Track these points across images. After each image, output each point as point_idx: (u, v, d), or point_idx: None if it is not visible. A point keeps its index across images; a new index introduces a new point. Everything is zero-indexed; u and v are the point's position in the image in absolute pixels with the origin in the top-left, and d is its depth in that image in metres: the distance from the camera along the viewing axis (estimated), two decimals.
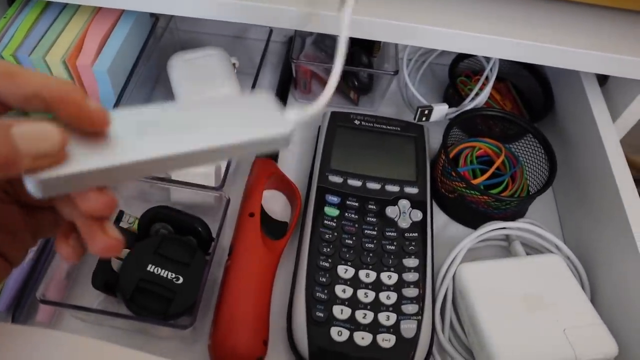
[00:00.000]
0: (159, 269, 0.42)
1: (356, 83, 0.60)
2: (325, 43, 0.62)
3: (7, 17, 0.50)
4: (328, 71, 0.61)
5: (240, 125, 0.24)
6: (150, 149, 0.22)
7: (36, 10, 0.51)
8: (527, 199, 0.51)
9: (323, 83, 0.62)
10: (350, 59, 0.62)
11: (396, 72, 0.56)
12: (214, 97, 0.25)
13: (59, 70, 0.49)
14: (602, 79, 0.55)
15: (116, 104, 0.50)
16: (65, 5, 0.52)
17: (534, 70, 0.63)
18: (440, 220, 0.54)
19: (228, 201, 0.44)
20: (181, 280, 0.42)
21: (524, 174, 0.55)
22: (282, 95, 0.60)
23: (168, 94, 0.55)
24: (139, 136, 0.22)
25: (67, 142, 0.21)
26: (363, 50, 0.62)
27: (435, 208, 0.55)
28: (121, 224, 0.46)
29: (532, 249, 0.51)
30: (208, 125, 0.24)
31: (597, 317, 0.42)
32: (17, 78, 0.21)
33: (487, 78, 0.59)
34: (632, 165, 0.49)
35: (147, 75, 0.57)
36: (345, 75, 0.61)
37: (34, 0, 0.51)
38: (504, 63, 0.64)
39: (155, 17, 0.58)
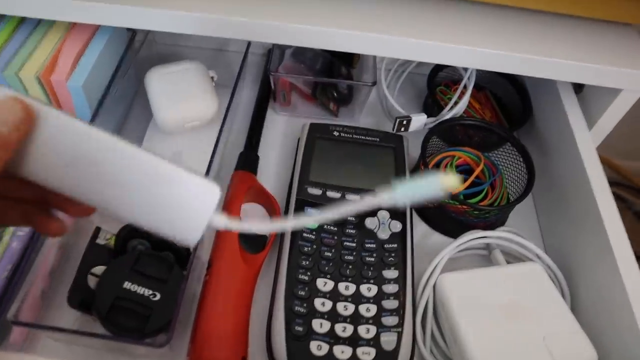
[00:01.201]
0: (136, 286, 0.42)
1: (335, 94, 0.60)
2: (304, 55, 0.62)
3: None
4: (307, 83, 0.62)
5: (162, 211, 0.24)
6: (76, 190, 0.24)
7: (10, 26, 0.50)
8: (506, 207, 0.51)
9: (302, 95, 0.62)
10: (329, 71, 0.62)
11: (374, 83, 0.56)
12: (166, 157, 0.25)
13: (33, 86, 0.48)
14: (578, 88, 0.56)
15: (92, 119, 0.49)
16: (40, 20, 0.52)
17: (512, 79, 0.63)
18: (420, 230, 0.54)
19: None
20: (158, 296, 0.41)
21: (503, 183, 0.56)
22: (262, 108, 0.60)
23: (147, 107, 0.55)
24: (74, 167, 0.24)
25: (29, 105, 0.23)
26: (342, 62, 0.62)
27: (416, 218, 0.55)
28: (98, 241, 0.46)
29: (513, 257, 0.51)
30: (134, 192, 0.24)
31: (576, 325, 0.42)
32: None
33: (465, 87, 0.59)
34: (616, 170, 0.49)
35: (125, 89, 0.57)
36: (324, 87, 0.61)
37: (8, 16, 0.51)
38: (482, 72, 0.64)
39: (132, 31, 0.58)
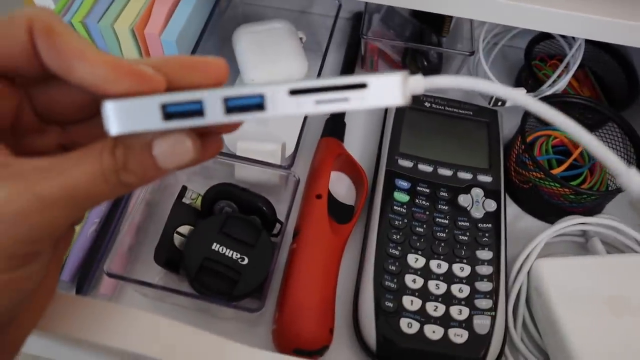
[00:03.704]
0: (224, 249, 0.41)
1: (425, 63, 0.57)
2: (393, 21, 0.59)
3: None
4: (396, 50, 0.59)
5: None
6: None
7: None
8: (611, 193, 0.47)
9: (390, 61, 0.59)
10: (418, 39, 0.59)
11: (472, 53, 0.53)
12: None
13: (127, 39, 0.47)
14: None
15: None
16: None
17: (616, 54, 0.58)
18: (510, 211, 0.51)
19: (298, 181, 0.42)
20: (246, 261, 0.41)
21: (604, 167, 0.52)
22: (349, 73, 0.58)
23: (232, 69, 0.53)
24: None
25: (199, 147, 0.20)
26: (432, 29, 0.59)
27: (507, 199, 0.52)
28: (184, 200, 0.45)
29: (611, 247, 0.48)
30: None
31: None
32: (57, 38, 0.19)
33: (568, 62, 0.55)
34: None
35: (211, 48, 0.55)
36: (414, 55, 0.58)
37: None
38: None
39: None
